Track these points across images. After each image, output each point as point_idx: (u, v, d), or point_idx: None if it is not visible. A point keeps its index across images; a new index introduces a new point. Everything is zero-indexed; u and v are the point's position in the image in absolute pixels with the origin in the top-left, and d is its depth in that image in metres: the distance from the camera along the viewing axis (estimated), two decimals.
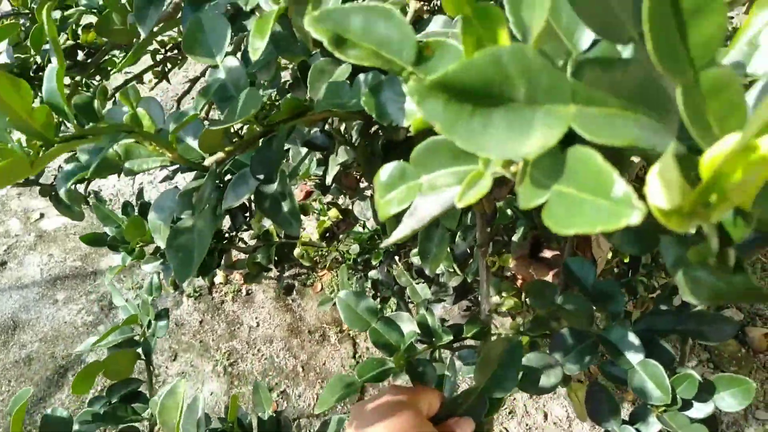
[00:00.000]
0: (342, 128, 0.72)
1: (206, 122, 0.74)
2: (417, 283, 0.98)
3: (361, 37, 0.22)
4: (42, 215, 2.25)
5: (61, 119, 0.36)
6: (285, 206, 0.44)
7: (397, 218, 0.30)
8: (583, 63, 0.19)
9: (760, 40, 0.25)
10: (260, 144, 0.49)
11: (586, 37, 0.23)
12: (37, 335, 1.88)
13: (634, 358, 0.65)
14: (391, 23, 0.22)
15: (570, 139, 0.19)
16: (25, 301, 1.97)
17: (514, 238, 1.02)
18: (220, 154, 0.47)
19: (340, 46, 0.22)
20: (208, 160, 0.46)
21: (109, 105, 1.26)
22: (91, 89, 1.09)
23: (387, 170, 0.27)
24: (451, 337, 0.66)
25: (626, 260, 1.54)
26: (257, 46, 0.29)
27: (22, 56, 0.88)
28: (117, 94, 1.10)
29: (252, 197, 0.49)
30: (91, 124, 0.39)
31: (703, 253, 0.21)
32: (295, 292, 1.96)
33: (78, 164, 0.40)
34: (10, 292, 2.00)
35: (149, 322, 0.80)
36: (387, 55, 0.22)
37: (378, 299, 1.56)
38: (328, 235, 1.46)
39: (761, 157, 0.15)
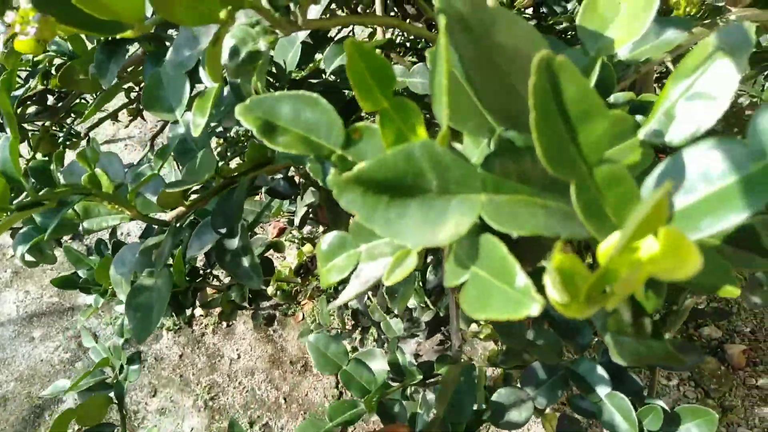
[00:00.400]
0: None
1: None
2: (391, 318, 0.98)
3: (291, 123, 0.23)
4: None
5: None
6: (245, 261, 0.44)
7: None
8: (493, 154, 0.20)
9: (675, 111, 0.27)
10: (221, 196, 0.50)
11: None
12: (13, 374, 1.84)
13: (602, 390, 0.66)
14: (318, 109, 0.24)
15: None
16: (1, 340, 1.94)
17: None
18: (180, 209, 0.47)
19: (269, 133, 0.23)
20: (169, 215, 0.47)
21: (83, 143, 1.26)
22: (64, 130, 1.09)
23: (327, 240, 0.28)
24: (422, 376, 0.67)
25: None
26: (198, 123, 0.30)
27: None
28: (90, 137, 1.11)
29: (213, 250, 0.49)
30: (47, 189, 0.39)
31: (619, 323, 0.23)
32: (276, 323, 1.95)
33: (34, 226, 0.40)
34: None
35: (121, 365, 0.80)
36: (316, 140, 0.23)
37: (358, 329, 1.56)
38: (302, 270, 1.47)
39: (638, 259, 0.16)
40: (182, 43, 0.34)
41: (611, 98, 0.44)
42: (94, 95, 1.12)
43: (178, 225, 0.46)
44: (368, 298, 1.12)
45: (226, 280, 1.09)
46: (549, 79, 0.16)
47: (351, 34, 1.15)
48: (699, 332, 2.06)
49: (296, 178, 0.67)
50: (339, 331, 1.60)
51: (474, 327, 1.27)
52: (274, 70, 0.58)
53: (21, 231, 0.41)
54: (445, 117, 0.18)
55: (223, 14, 0.27)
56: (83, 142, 1.27)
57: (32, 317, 1.99)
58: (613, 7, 0.30)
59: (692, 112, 0.26)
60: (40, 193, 0.38)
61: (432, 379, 0.70)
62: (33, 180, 0.40)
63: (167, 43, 0.58)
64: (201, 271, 1.01)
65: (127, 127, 2.15)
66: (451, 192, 0.20)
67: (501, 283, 0.19)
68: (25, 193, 0.38)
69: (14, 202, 0.37)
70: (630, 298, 0.22)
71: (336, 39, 0.58)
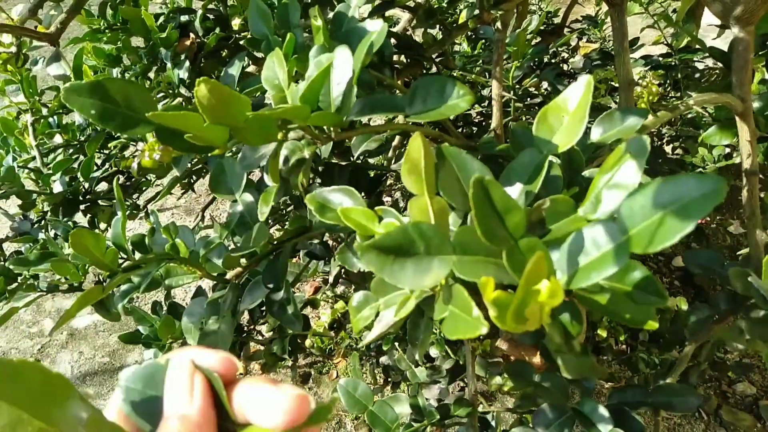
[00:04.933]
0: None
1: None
2: (418, 367, 1.07)
3: (337, 206, 0.35)
4: None
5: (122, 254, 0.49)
6: (289, 309, 0.56)
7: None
8: (461, 231, 0.32)
9: (602, 196, 0.38)
10: (270, 258, 0.62)
11: None
12: None
13: (604, 428, 0.74)
14: (353, 197, 0.35)
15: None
16: None
17: None
18: (238, 269, 0.59)
19: (323, 212, 0.35)
20: (229, 274, 0.59)
21: (141, 214, 1.42)
22: (128, 204, 1.25)
23: (356, 298, 0.39)
24: (440, 416, 0.75)
25: (621, 338, 1.61)
26: (263, 211, 0.42)
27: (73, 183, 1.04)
28: (149, 209, 1.25)
29: (264, 300, 0.61)
30: (141, 255, 0.52)
31: (555, 344, 0.33)
32: (311, 380, 2.03)
33: (132, 285, 0.53)
34: None
35: None
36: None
37: (389, 384, 1.63)
38: (335, 325, 1.57)
39: (539, 295, 0.26)
40: (248, 151, 0.46)
41: (586, 173, 0.55)
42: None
43: (237, 282, 0.58)
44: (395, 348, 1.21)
45: (268, 335, 1.20)
46: (481, 189, 0.28)
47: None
48: (733, 389, 2.04)
49: (330, 243, 0.79)
50: (371, 386, 1.68)
51: (498, 380, 1.33)
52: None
53: (121, 289, 0.53)
54: (430, 209, 0.29)
55: (280, 136, 0.40)
56: (141, 213, 1.43)
57: (85, 376, 2.12)
58: (558, 119, 0.41)
59: (610, 197, 0.36)
60: (138, 258, 0.51)
61: (449, 420, 0.78)
62: (133, 248, 0.52)
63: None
64: (245, 328, 1.13)
65: (179, 198, 2.33)
66: (433, 254, 0.31)
67: (464, 314, 0.30)
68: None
69: (122, 266, 0.49)
70: (560, 326, 0.32)
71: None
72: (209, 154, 0.38)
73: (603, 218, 0.36)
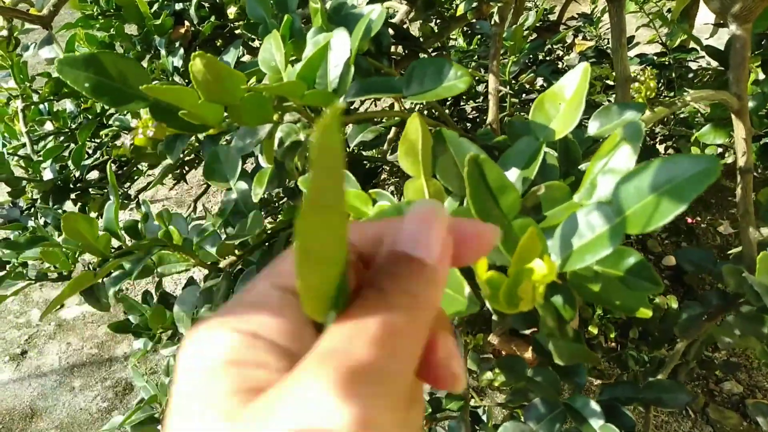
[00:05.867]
0: None
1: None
2: None
3: None
4: (62, 305, 2.37)
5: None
6: None
7: None
8: (455, 212, 0.31)
9: (597, 181, 0.38)
10: (264, 248, 0.62)
11: None
12: (54, 422, 1.94)
13: (596, 423, 0.74)
14: (349, 183, 0.35)
15: None
16: (43, 389, 2.05)
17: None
18: (232, 258, 0.59)
19: None
20: (223, 263, 0.59)
21: (132, 204, 1.41)
22: (120, 194, 1.24)
23: None
24: (431, 410, 0.75)
25: (612, 335, 1.62)
26: (257, 192, 0.42)
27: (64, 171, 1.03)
28: (140, 199, 1.24)
29: None
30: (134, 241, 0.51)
31: (548, 328, 0.33)
32: None
33: (123, 271, 0.52)
34: (29, 380, 2.09)
35: (167, 401, 0.90)
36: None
37: None
38: None
39: (531, 274, 0.26)
40: (244, 133, 0.46)
41: (582, 166, 0.55)
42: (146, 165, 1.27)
43: (230, 270, 0.57)
44: None
45: None
46: (476, 167, 0.27)
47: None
48: (720, 387, 2.06)
49: None
50: None
51: (489, 375, 1.33)
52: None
53: (113, 275, 0.52)
54: (426, 191, 0.29)
55: (275, 117, 0.39)
56: (132, 203, 1.42)
57: (73, 367, 2.11)
58: (555, 106, 0.41)
59: (605, 182, 0.37)
60: (131, 244, 0.50)
61: (441, 413, 0.78)
62: (126, 234, 0.52)
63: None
64: None
65: (171, 189, 2.32)
66: None
67: (456, 294, 0.29)
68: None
69: (114, 251, 0.48)
70: (554, 309, 0.32)
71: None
72: (203, 134, 0.38)
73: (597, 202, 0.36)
